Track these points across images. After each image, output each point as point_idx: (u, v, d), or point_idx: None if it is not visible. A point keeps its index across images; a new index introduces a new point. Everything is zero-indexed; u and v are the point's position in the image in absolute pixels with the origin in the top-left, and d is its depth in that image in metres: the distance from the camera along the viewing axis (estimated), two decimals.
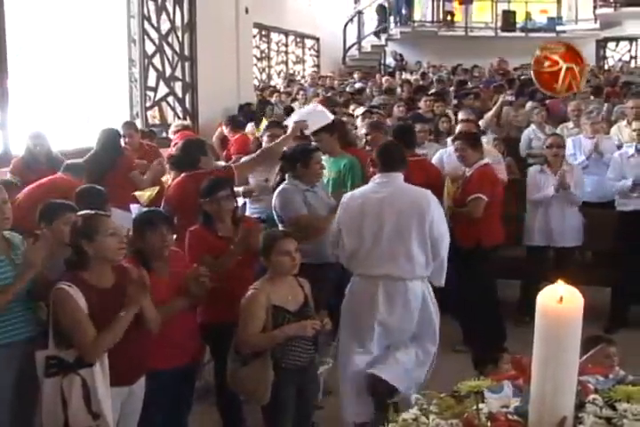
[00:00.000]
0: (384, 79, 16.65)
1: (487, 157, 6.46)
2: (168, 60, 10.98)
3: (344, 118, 8.56)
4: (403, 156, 5.05)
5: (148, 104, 10.74)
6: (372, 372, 4.67)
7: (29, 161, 6.89)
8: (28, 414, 3.85)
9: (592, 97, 12.02)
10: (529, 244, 6.95)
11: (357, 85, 15.75)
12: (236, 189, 5.18)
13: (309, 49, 21.62)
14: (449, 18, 23.58)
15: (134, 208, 6.80)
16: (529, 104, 11.13)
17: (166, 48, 10.93)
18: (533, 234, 6.87)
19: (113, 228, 3.61)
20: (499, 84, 13.65)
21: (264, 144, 6.43)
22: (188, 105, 11.30)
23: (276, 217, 5.41)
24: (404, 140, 5.99)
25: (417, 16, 23.64)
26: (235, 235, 4.57)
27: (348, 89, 15.21)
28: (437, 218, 4.72)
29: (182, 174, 5.59)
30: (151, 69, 10.70)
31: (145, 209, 5.99)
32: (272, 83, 18.33)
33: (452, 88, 14.61)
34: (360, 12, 22.02)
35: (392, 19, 22.49)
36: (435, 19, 23.77)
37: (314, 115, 6.18)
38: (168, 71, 10.99)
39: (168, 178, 7.17)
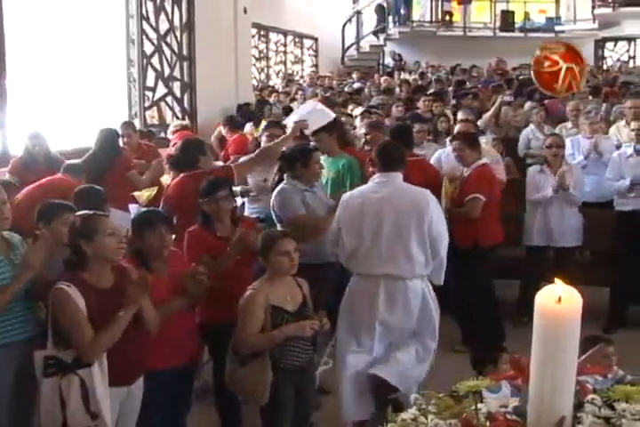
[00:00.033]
0: (382, 79, 16.65)
1: (486, 158, 6.46)
2: (167, 60, 10.98)
3: (343, 118, 8.55)
4: (402, 156, 5.07)
5: (146, 104, 10.75)
6: (374, 372, 4.67)
7: (28, 161, 6.89)
8: (26, 413, 3.85)
9: (590, 97, 12.02)
10: (528, 244, 6.94)
11: (356, 85, 15.76)
12: (234, 188, 5.18)
13: (308, 49, 21.64)
14: (447, 18, 23.60)
15: (133, 208, 6.79)
16: (527, 104, 11.13)
17: (165, 48, 10.93)
18: (533, 234, 6.86)
19: (112, 228, 3.61)
20: (497, 84, 13.65)
21: (263, 144, 6.43)
22: (186, 105, 11.31)
23: (274, 217, 5.41)
24: (402, 140, 5.98)
25: (416, 16, 23.65)
26: (233, 235, 4.58)
27: (346, 89, 15.22)
28: (436, 218, 4.73)
29: (181, 174, 5.59)
30: (150, 69, 10.71)
31: (144, 209, 5.98)
32: (271, 83, 18.33)
33: (450, 88, 14.61)
34: (359, 12, 22.02)
35: (391, 19, 22.49)
36: (433, 19, 23.79)
37: (314, 114, 6.16)
38: (167, 71, 10.99)
39: (167, 178, 7.17)
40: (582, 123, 8.24)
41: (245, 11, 12.53)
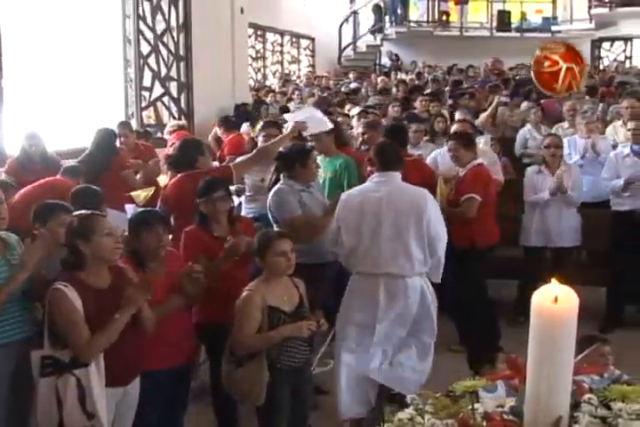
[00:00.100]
0: (379, 79, 16.66)
1: (484, 158, 6.46)
2: (163, 60, 10.97)
3: (339, 118, 8.55)
4: (400, 155, 5.12)
5: (143, 104, 10.73)
6: (378, 380, 4.73)
7: (24, 161, 6.88)
8: (23, 413, 3.85)
9: (587, 97, 12.04)
10: (526, 244, 6.94)
11: (353, 85, 15.76)
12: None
13: (305, 49, 21.64)
14: (444, 18, 23.60)
15: (130, 208, 6.79)
16: (524, 104, 11.14)
17: (161, 48, 10.92)
18: (531, 234, 6.86)
19: (109, 228, 3.61)
20: (494, 84, 13.66)
21: (259, 144, 6.43)
22: (183, 105, 11.30)
23: (270, 217, 5.41)
24: (396, 139, 5.99)
25: (413, 16, 23.66)
26: (231, 235, 4.58)
27: (343, 89, 15.23)
28: (434, 217, 4.77)
29: (179, 174, 5.59)
30: (146, 69, 10.69)
31: (141, 209, 5.98)
32: (267, 83, 18.34)
33: (447, 88, 14.62)
34: (355, 12, 22.03)
35: (387, 19, 22.50)
36: (430, 19, 23.79)
37: (313, 119, 6.19)
38: (163, 71, 10.98)
39: (165, 178, 7.16)
40: (579, 123, 8.25)
41: (242, 11, 12.54)
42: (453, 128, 7.52)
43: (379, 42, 22.23)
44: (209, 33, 11.42)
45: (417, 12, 24.02)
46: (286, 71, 20.26)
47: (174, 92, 11.19)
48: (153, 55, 10.76)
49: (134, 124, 9.94)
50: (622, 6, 21.30)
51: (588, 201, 7.29)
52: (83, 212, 3.74)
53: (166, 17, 10.93)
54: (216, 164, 7.01)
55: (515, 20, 23.37)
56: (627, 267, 6.63)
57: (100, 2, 10.25)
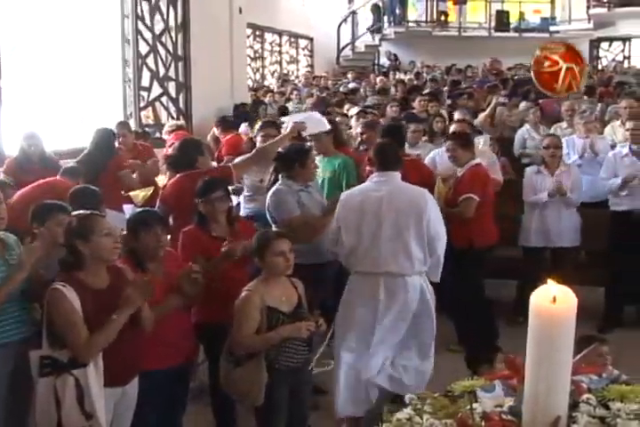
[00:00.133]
0: (378, 79, 16.67)
1: (483, 158, 6.46)
2: (162, 60, 10.97)
3: (338, 118, 8.55)
4: (399, 155, 5.16)
5: (141, 104, 10.73)
6: (382, 385, 4.75)
7: (23, 161, 6.87)
8: (22, 413, 3.86)
9: (585, 97, 12.04)
10: (526, 245, 6.93)
11: (351, 85, 15.74)
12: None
13: (303, 49, 21.62)
14: (443, 18, 23.60)
15: (128, 208, 6.79)
16: (523, 104, 11.14)
17: (160, 48, 10.91)
18: (530, 235, 6.86)
19: (108, 228, 3.61)
20: (493, 84, 13.66)
21: (258, 144, 6.43)
22: (181, 105, 11.29)
23: (269, 217, 5.41)
24: (394, 139, 5.98)
25: (411, 16, 23.66)
26: (230, 235, 4.58)
27: (341, 89, 15.22)
28: (434, 217, 4.80)
29: (178, 174, 5.59)
30: (145, 69, 10.69)
31: (139, 209, 5.98)
32: (266, 83, 18.33)
33: (445, 88, 14.62)
34: (354, 13, 22.02)
35: (386, 19, 22.50)
36: (428, 19, 23.79)
37: (312, 120, 6.21)
38: (162, 71, 10.98)
39: (163, 178, 7.15)
40: (577, 122, 8.25)
41: (240, 11, 12.52)
42: (452, 128, 7.52)
43: (377, 42, 22.23)
44: (207, 33, 11.40)
45: (415, 12, 24.03)
46: (285, 71, 20.24)
47: (173, 92, 11.18)
48: (151, 55, 10.75)
49: (133, 124, 9.93)
50: (621, 6, 21.31)
51: (587, 201, 7.28)
52: (82, 212, 3.74)
53: (165, 17, 10.92)
54: (214, 164, 7.00)
55: (513, 20, 23.37)
56: (625, 267, 6.63)
57: (99, 2, 10.24)
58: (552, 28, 22.38)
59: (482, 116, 10.09)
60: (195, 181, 4.90)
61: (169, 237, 4.32)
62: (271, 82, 18.57)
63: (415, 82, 16.10)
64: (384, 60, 21.97)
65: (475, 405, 1.84)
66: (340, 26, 21.45)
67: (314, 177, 5.61)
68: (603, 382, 1.92)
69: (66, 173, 6.31)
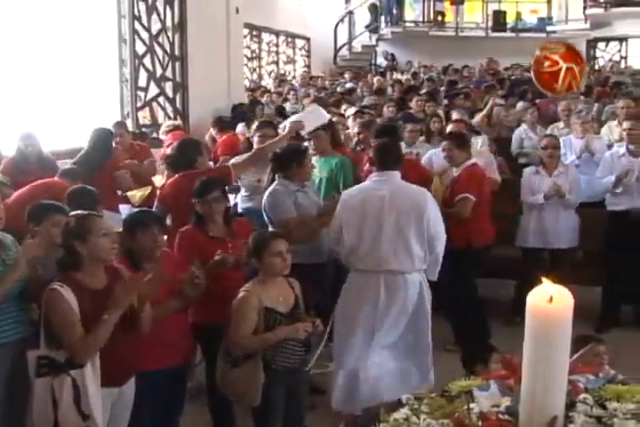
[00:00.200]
0: (375, 79, 16.66)
1: (480, 159, 6.47)
2: (159, 60, 10.95)
3: (335, 118, 8.54)
4: (399, 154, 5.18)
5: (138, 104, 10.71)
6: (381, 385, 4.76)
7: (20, 162, 6.85)
8: (19, 413, 3.85)
9: (582, 97, 12.05)
10: (524, 245, 6.92)
11: (348, 85, 15.74)
12: None
13: (300, 49, 21.61)
14: (440, 18, 23.63)
15: (125, 208, 6.77)
16: (520, 104, 11.15)
17: (157, 48, 10.90)
18: (528, 235, 6.85)
19: (105, 228, 3.60)
20: (490, 84, 13.67)
21: (255, 144, 6.43)
22: (178, 105, 11.28)
23: (265, 217, 5.42)
24: (389, 139, 6.00)
25: (408, 16, 23.67)
26: (226, 235, 4.59)
27: (338, 89, 15.21)
28: (434, 216, 4.83)
29: (177, 174, 5.59)
30: (142, 69, 10.67)
31: (136, 209, 5.97)
32: (263, 83, 18.31)
33: (442, 88, 14.62)
34: (351, 12, 22.03)
35: (383, 18, 22.51)
36: (426, 19, 23.81)
37: (310, 116, 6.21)
38: (159, 71, 10.96)
39: (160, 178, 7.15)
40: (574, 122, 8.26)
41: (237, 11, 12.50)
42: (449, 128, 7.52)
43: (374, 42, 22.24)
44: (204, 33, 11.39)
45: (413, 12, 24.05)
46: (282, 71, 20.23)
47: (170, 93, 11.17)
48: (148, 55, 10.74)
49: (130, 124, 9.91)
50: (617, 6, 21.35)
51: (584, 201, 7.29)
52: (79, 212, 3.74)
53: (162, 17, 10.90)
54: (211, 164, 6.99)
55: (510, 20, 23.41)
56: (622, 267, 6.63)
57: (96, 2, 10.22)
58: (549, 29, 22.43)
59: (479, 116, 10.10)
60: (193, 181, 4.90)
61: (166, 237, 4.31)
62: (268, 82, 18.57)
63: (412, 82, 16.12)
64: (381, 60, 21.98)
65: (472, 405, 1.84)
66: (337, 26, 21.45)
67: (310, 177, 5.62)
68: (599, 381, 1.91)
69: (65, 174, 6.28)
